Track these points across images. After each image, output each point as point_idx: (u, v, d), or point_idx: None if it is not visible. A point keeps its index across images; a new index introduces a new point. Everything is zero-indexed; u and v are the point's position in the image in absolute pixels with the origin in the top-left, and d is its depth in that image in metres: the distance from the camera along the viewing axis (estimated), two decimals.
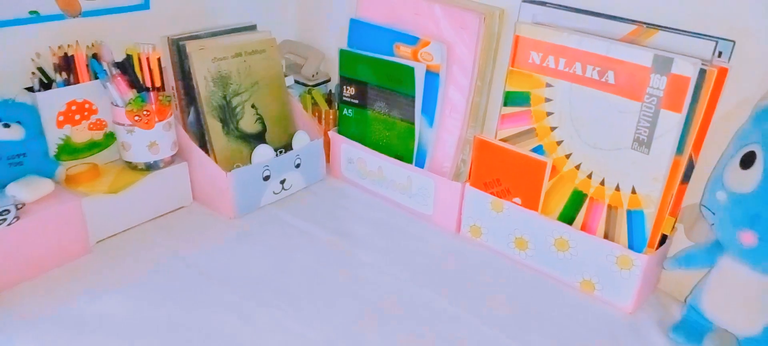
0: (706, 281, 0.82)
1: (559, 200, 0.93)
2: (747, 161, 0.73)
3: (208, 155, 1.05)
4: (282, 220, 1.06)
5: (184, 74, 1.05)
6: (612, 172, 0.86)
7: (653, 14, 0.84)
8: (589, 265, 0.90)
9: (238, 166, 1.05)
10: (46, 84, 0.94)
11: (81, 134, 0.98)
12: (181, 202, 1.07)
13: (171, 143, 1.02)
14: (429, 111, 1.05)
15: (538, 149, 0.94)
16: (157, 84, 1.00)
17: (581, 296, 0.91)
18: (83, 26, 1.00)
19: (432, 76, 1.03)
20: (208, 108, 1.05)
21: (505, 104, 0.96)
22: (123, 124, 0.97)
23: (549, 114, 0.91)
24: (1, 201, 0.83)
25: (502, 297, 0.90)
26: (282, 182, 1.11)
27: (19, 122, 0.88)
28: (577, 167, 0.90)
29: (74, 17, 0.99)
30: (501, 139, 0.98)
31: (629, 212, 0.86)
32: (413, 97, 1.05)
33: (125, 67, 0.97)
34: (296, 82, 1.28)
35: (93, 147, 1.00)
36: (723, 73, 0.77)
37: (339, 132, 1.19)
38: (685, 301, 0.87)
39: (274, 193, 1.11)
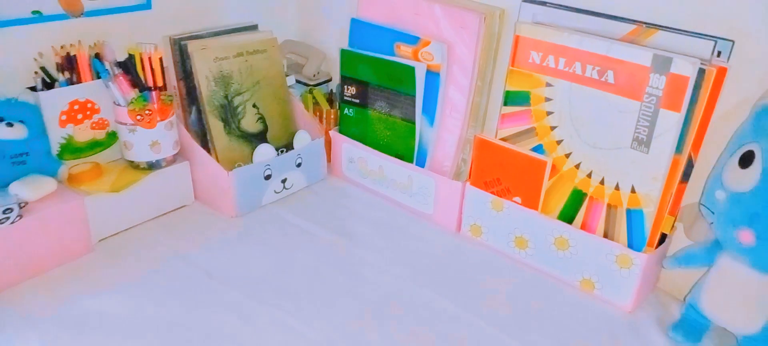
0: (706, 280, 0.82)
1: (559, 199, 0.93)
2: (746, 160, 0.73)
3: (210, 155, 1.05)
4: (283, 219, 1.06)
5: (186, 74, 1.05)
6: (611, 171, 0.87)
7: (653, 14, 0.84)
8: (588, 264, 0.90)
9: (239, 166, 1.05)
10: (49, 83, 0.94)
11: (83, 133, 0.98)
12: (182, 201, 1.08)
13: (173, 143, 1.03)
14: (429, 111, 1.06)
15: (538, 149, 0.94)
16: (159, 83, 1.00)
17: (581, 294, 0.91)
18: (85, 26, 1.01)
19: (432, 75, 1.03)
20: (209, 107, 1.05)
21: (505, 104, 0.97)
22: (125, 124, 0.97)
23: (549, 113, 0.92)
24: (4, 200, 0.83)
25: (502, 296, 0.90)
26: (283, 182, 1.11)
27: (22, 121, 0.88)
28: (577, 167, 0.90)
29: (77, 17, 1.00)
30: (501, 139, 0.98)
31: (629, 211, 0.86)
32: (414, 97, 1.05)
33: (127, 66, 0.98)
34: (297, 81, 1.28)
35: (95, 146, 1.00)
36: (722, 72, 0.77)
37: (340, 131, 1.19)
38: (685, 300, 0.87)
39: (275, 192, 1.11)
